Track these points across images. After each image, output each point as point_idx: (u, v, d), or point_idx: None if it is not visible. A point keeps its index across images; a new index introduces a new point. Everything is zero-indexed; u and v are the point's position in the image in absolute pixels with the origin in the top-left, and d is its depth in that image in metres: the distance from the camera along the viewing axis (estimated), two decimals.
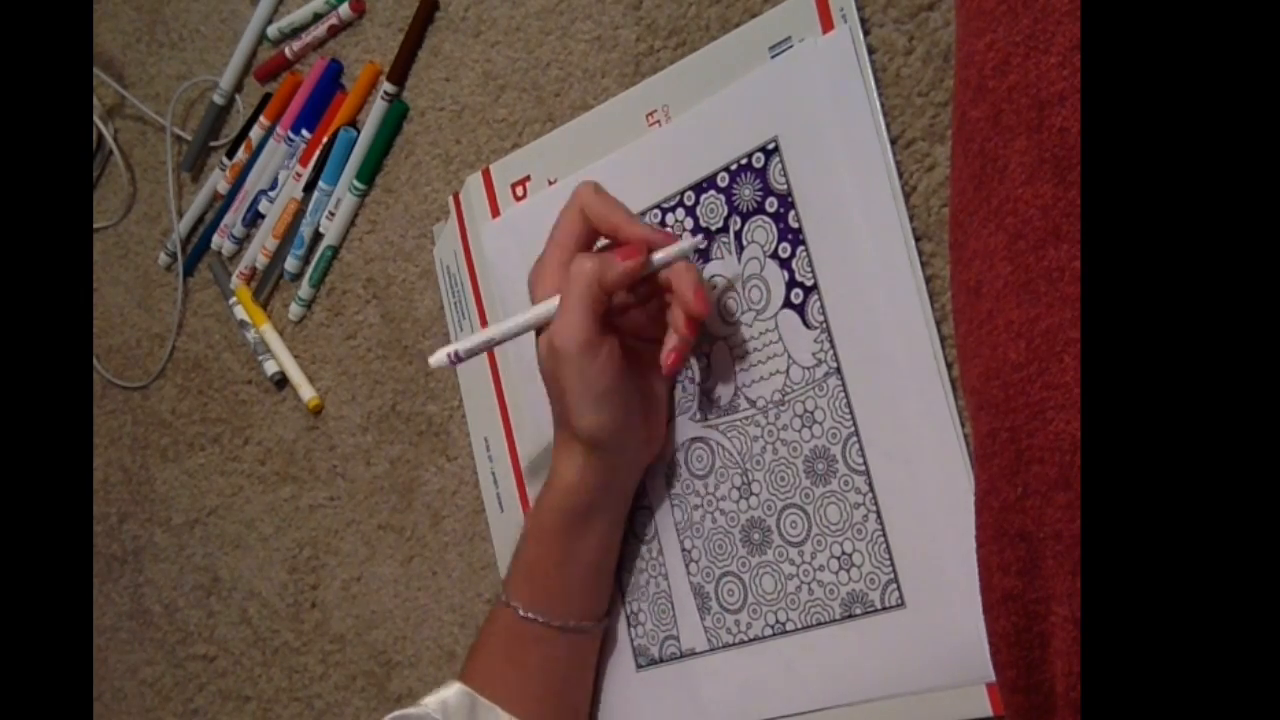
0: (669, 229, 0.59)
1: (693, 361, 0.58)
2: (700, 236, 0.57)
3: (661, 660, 0.60)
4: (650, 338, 0.56)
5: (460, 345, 0.55)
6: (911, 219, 0.52)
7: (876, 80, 0.53)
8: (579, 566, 0.58)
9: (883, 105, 0.53)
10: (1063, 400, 0.36)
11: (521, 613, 0.57)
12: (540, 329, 0.54)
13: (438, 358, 0.55)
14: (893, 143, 0.53)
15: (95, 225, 0.88)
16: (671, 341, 0.54)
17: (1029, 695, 0.38)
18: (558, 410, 0.55)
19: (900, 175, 0.52)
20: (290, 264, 0.76)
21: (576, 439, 0.55)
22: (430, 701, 0.57)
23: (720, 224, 0.57)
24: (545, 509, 0.57)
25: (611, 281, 0.52)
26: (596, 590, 0.59)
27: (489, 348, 0.56)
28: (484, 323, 0.67)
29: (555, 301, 0.54)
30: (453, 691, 0.57)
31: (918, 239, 0.52)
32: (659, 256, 0.53)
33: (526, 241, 0.64)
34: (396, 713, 0.56)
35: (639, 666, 0.61)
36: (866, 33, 0.53)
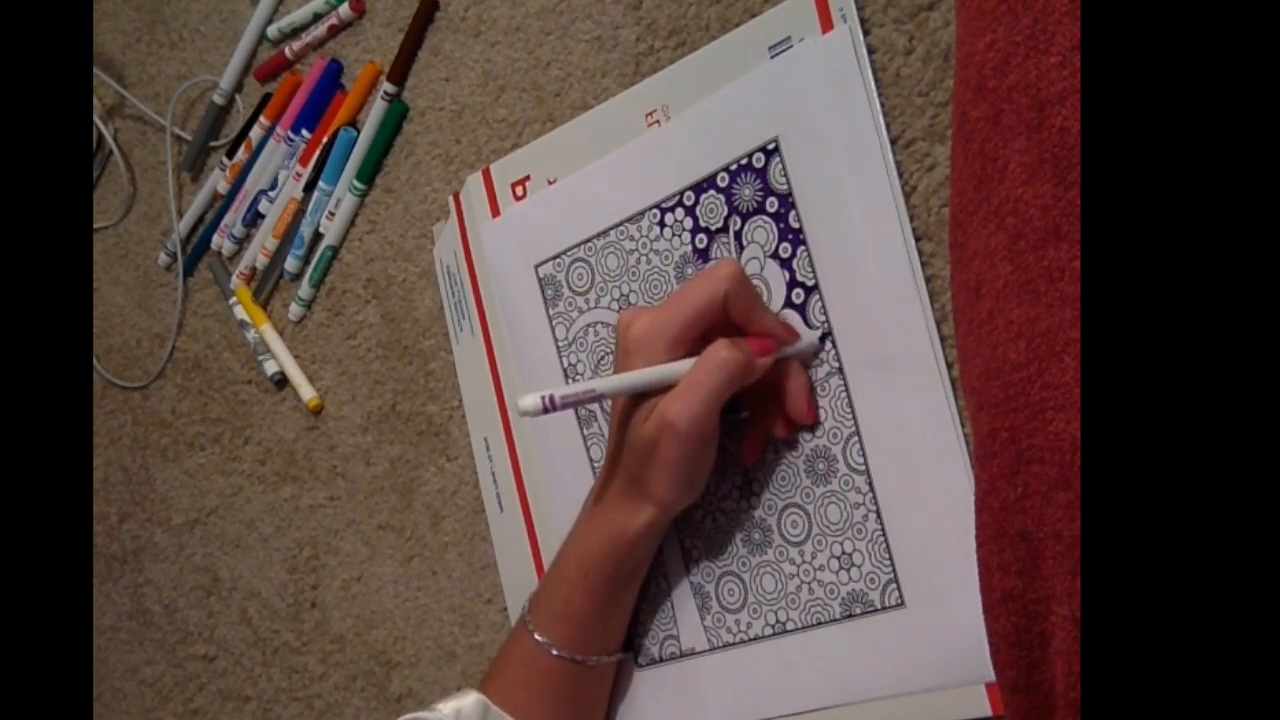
0: (668, 229, 0.59)
1: None
2: (819, 333, 0.54)
3: (661, 660, 0.60)
4: None
5: (558, 391, 0.50)
6: (911, 219, 0.52)
7: (876, 80, 0.53)
8: (618, 612, 0.58)
9: (883, 105, 0.53)
10: (1063, 400, 0.36)
11: (554, 652, 0.56)
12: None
13: (530, 401, 0.49)
14: (893, 143, 0.53)
15: (95, 225, 0.88)
16: (760, 432, 0.55)
17: (1029, 695, 0.38)
18: (637, 471, 0.53)
19: (900, 175, 0.52)
20: (290, 264, 0.76)
21: (649, 501, 0.54)
22: (445, 708, 0.56)
23: (720, 224, 0.57)
24: (595, 560, 0.55)
25: (749, 377, 0.52)
26: (625, 627, 0.59)
27: (587, 401, 0.52)
28: (484, 322, 0.67)
29: (670, 371, 0.52)
30: (469, 701, 0.56)
31: (918, 239, 0.52)
32: (786, 351, 0.53)
33: (527, 241, 0.64)
34: (409, 716, 0.56)
35: (638, 666, 0.61)
36: (866, 33, 0.53)
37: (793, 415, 0.54)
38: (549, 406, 0.50)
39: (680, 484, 0.53)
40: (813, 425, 0.54)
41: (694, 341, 0.52)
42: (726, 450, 0.57)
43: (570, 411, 0.63)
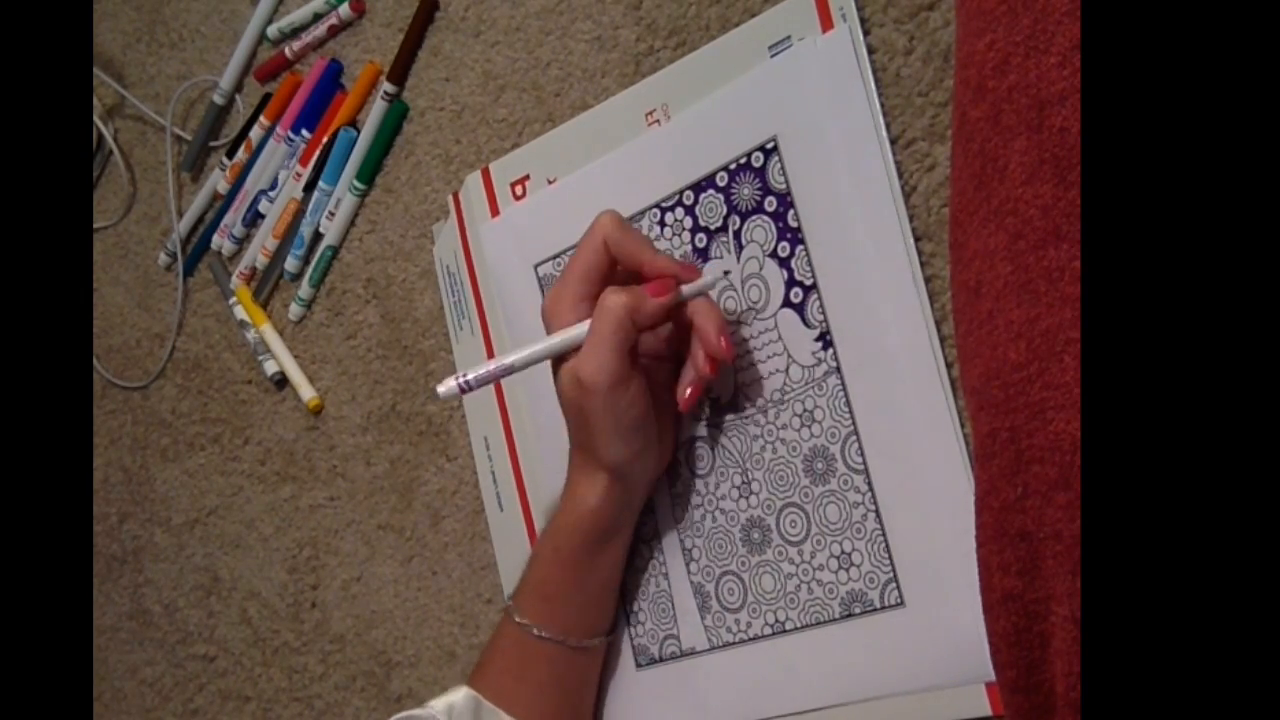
0: (668, 228, 0.59)
1: None
2: (724, 270, 0.55)
3: (661, 659, 0.60)
4: (661, 356, 0.56)
5: (472, 374, 0.53)
6: (911, 219, 0.52)
7: (876, 80, 0.53)
8: (595, 587, 0.58)
9: (883, 105, 0.53)
10: (1063, 400, 0.36)
11: (536, 632, 0.56)
12: (558, 358, 0.54)
13: (447, 386, 0.53)
14: (893, 143, 0.53)
15: (95, 225, 0.88)
16: (689, 377, 0.54)
17: (1029, 695, 0.38)
18: (580, 438, 0.55)
19: (900, 175, 0.52)
20: (290, 264, 0.76)
21: (599, 466, 0.54)
22: (437, 704, 0.56)
23: (719, 223, 0.57)
24: (563, 532, 0.56)
25: (644, 319, 0.52)
26: (608, 607, 0.60)
27: (503, 376, 0.54)
28: (484, 322, 0.67)
29: (576, 332, 0.53)
30: (460, 696, 0.57)
31: (918, 239, 0.52)
32: (686, 290, 0.53)
33: (526, 241, 0.64)
34: (402, 714, 0.56)
35: (639, 666, 0.61)
36: (866, 33, 0.53)
37: (711, 352, 0.53)
38: (465, 388, 0.53)
39: (619, 439, 0.53)
40: (730, 359, 0.53)
41: (596, 299, 0.53)
42: (725, 448, 0.57)
43: None
